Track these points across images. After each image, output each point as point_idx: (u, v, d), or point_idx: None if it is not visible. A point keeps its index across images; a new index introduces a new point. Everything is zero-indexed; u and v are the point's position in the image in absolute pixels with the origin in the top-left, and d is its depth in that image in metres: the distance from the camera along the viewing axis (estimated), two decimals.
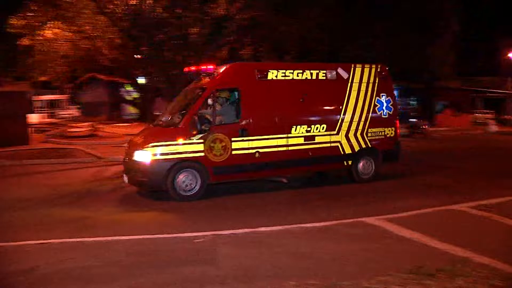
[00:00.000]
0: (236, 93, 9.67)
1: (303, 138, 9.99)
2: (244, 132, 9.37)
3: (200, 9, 19.20)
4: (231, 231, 6.68)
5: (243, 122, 9.42)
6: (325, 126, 10.21)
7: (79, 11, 21.98)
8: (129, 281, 4.89)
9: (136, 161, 9.01)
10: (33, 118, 26.07)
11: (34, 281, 4.96)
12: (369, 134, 10.72)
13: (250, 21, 20.62)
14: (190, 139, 8.91)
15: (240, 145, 9.34)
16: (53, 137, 21.56)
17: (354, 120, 10.58)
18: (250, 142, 9.42)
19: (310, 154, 10.06)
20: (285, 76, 10.00)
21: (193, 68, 10.41)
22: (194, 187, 9.02)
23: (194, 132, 8.86)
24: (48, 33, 23.61)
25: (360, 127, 10.63)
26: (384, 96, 10.98)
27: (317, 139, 10.13)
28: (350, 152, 10.49)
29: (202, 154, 9.00)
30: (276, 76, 9.91)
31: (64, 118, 35.17)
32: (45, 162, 14.21)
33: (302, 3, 22.05)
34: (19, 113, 18.40)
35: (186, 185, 8.96)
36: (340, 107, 10.50)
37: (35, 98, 33.08)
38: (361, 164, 10.67)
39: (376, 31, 26.31)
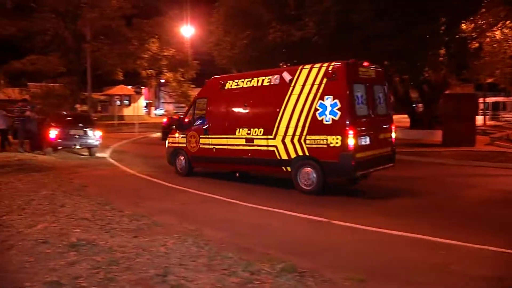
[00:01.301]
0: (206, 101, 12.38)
1: (244, 140, 11.03)
2: (206, 131, 11.99)
3: None
4: None
5: (206, 124, 12.10)
6: (262, 130, 10.67)
7: None
8: None
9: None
10: (477, 120, 26.51)
11: None
12: (307, 141, 9.84)
13: None
14: (179, 135, 12.95)
15: (204, 141, 12.11)
16: (498, 140, 21.28)
17: (291, 125, 10.14)
18: (209, 139, 11.97)
19: (249, 155, 10.94)
20: (237, 85, 11.43)
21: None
22: (185, 168, 12.86)
23: (179, 130, 12.89)
24: (497, 34, 23.62)
25: (298, 133, 10.02)
26: (329, 99, 9.44)
27: (255, 142, 10.82)
28: (287, 158, 10.23)
29: (185, 145, 12.63)
30: (231, 86, 11.59)
31: (508, 121, 34.06)
32: (489, 165, 14.26)
33: None
34: (467, 115, 19.16)
35: (180, 164, 12.98)
36: (277, 112, 10.34)
37: (480, 100, 33.47)
38: (300, 173, 10.04)
39: None
